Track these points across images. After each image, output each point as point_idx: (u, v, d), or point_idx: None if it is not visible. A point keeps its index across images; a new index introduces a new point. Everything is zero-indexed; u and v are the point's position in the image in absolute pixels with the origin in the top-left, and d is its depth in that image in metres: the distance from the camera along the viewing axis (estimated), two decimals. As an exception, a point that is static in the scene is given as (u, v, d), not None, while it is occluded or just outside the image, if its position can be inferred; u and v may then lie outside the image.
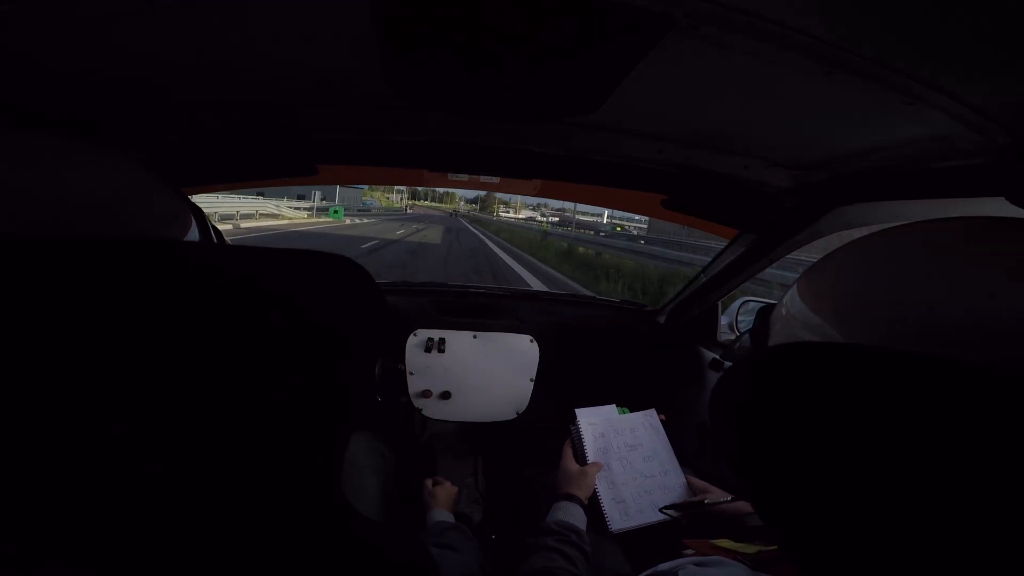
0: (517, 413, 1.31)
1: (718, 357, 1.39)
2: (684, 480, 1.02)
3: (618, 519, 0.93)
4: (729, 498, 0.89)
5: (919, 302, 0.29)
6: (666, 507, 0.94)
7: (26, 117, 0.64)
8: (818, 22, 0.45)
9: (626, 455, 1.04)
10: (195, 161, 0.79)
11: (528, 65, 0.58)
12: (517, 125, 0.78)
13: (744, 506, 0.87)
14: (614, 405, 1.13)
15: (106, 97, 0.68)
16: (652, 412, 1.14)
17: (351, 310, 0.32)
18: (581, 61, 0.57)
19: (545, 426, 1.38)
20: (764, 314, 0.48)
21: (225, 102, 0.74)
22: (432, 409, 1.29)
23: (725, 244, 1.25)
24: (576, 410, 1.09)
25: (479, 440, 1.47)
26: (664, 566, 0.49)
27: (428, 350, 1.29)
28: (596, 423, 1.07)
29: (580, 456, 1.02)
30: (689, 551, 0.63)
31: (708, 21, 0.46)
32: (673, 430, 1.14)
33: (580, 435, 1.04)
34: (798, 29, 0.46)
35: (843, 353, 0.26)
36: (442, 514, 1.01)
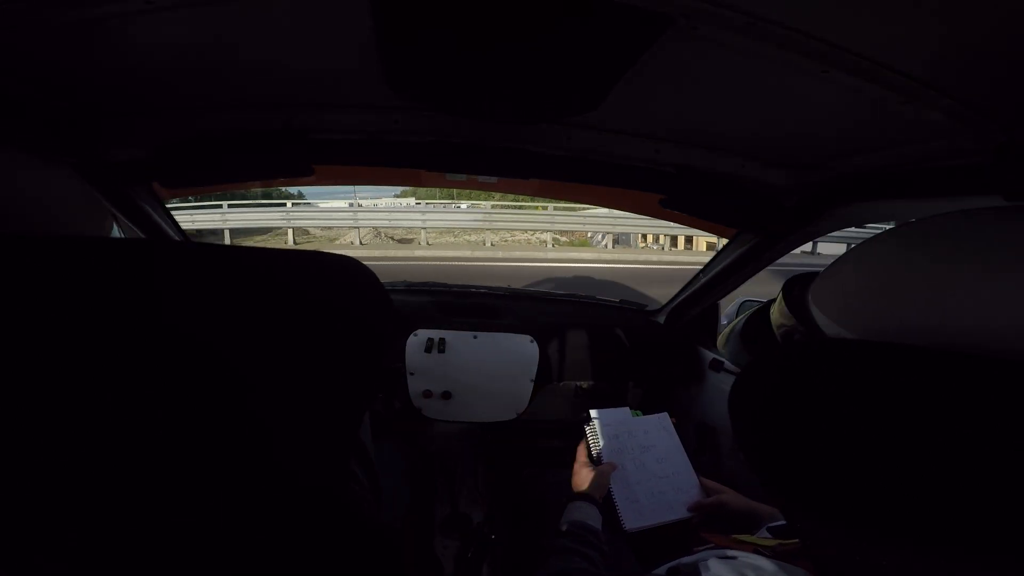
0: (517, 413, 1.31)
1: (718, 357, 1.39)
2: (697, 481, 1.02)
3: (632, 519, 0.94)
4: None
5: (934, 300, 0.29)
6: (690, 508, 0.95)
7: (26, 117, 0.64)
8: (815, 22, 0.45)
9: (639, 456, 1.05)
10: (194, 161, 0.79)
11: (527, 65, 0.59)
12: (515, 125, 0.79)
13: (759, 507, 0.88)
14: (628, 407, 1.15)
15: (106, 97, 0.68)
16: (665, 415, 1.16)
17: (359, 310, 0.32)
18: (579, 60, 0.57)
19: (545, 426, 1.38)
20: (760, 315, 0.48)
21: (224, 102, 0.74)
22: (433, 409, 1.29)
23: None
24: (591, 411, 1.10)
25: (479, 440, 1.47)
26: (687, 559, 0.50)
27: (429, 350, 1.29)
28: (610, 424, 1.08)
29: (594, 456, 1.02)
30: (708, 544, 0.63)
31: (706, 21, 0.46)
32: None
33: (595, 436, 1.05)
34: (795, 28, 0.46)
35: (871, 351, 0.26)
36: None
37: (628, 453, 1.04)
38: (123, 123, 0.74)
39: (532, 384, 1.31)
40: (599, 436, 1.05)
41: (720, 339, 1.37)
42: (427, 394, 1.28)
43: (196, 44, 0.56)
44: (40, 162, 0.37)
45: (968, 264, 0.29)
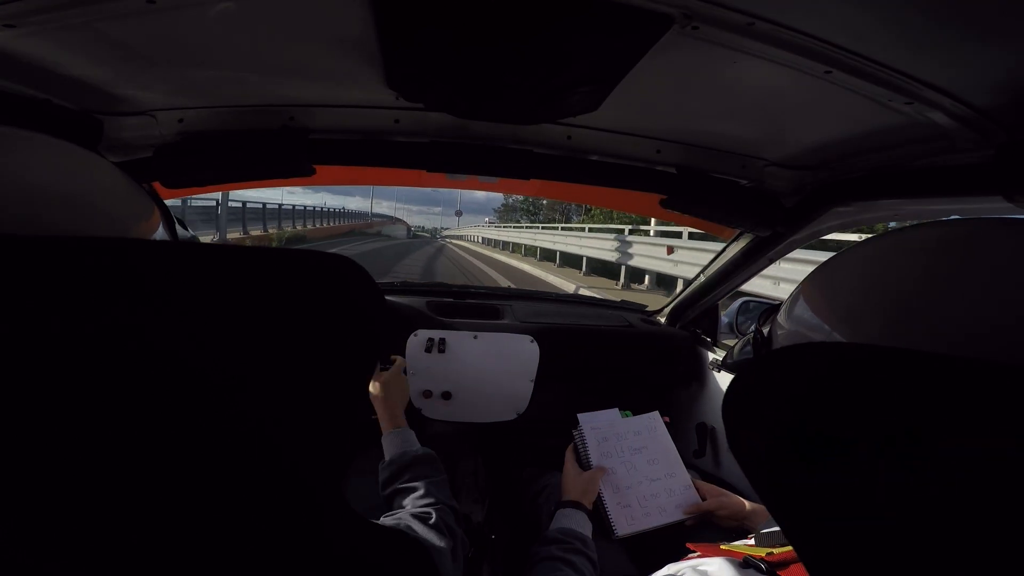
0: (517, 414, 1.31)
1: (718, 357, 1.39)
2: (690, 482, 1.01)
3: (623, 524, 0.92)
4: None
5: (929, 303, 0.29)
6: (687, 511, 0.95)
7: (26, 117, 0.64)
8: (817, 22, 0.45)
9: (630, 459, 1.03)
10: (194, 161, 0.79)
11: (528, 65, 0.58)
12: (517, 125, 0.78)
13: (758, 509, 0.87)
14: (617, 409, 1.13)
15: (106, 97, 0.68)
16: (655, 415, 1.14)
17: (352, 311, 0.32)
18: (580, 61, 0.57)
19: (545, 426, 1.38)
20: (767, 316, 0.48)
21: (224, 102, 0.74)
22: (433, 410, 1.29)
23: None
24: (579, 415, 1.08)
25: (479, 440, 1.47)
26: (671, 569, 0.49)
27: (428, 350, 1.29)
28: (599, 427, 1.07)
29: (584, 461, 1.01)
30: (694, 554, 0.62)
31: (707, 21, 0.46)
32: (673, 431, 1.13)
33: (583, 440, 1.03)
34: (797, 29, 0.46)
35: (866, 354, 0.26)
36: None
37: (618, 456, 1.02)
38: (123, 122, 0.74)
39: (532, 384, 1.31)
40: (587, 439, 1.03)
41: (736, 347, 1.37)
42: (427, 394, 1.28)
43: (197, 44, 0.56)
44: (87, 157, 0.37)
45: (976, 271, 0.29)
